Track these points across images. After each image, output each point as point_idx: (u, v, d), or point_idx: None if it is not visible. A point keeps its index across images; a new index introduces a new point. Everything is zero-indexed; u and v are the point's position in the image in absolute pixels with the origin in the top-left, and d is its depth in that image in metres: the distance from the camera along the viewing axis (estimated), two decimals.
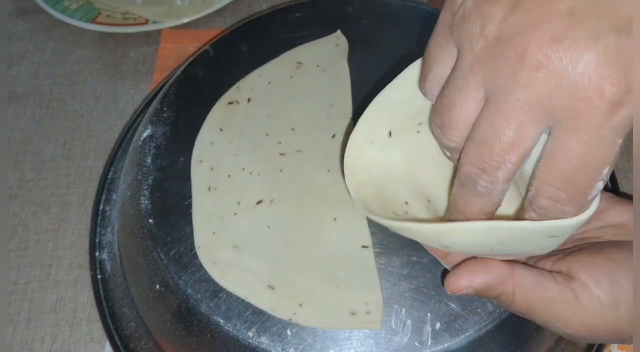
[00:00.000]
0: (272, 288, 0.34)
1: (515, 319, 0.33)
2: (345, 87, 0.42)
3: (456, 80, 0.24)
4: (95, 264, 0.45)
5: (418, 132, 0.31)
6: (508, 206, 0.29)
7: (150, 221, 0.37)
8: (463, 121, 0.25)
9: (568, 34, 0.21)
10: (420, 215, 0.31)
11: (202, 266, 0.35)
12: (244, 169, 0.38)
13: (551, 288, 0.27)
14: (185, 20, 0.60)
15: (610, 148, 0.22)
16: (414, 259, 0.34)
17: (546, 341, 0.37)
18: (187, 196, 0.37)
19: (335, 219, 0.36)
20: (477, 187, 0.25)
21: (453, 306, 0.33)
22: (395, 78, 0.30)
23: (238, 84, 0.42)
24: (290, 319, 0.33)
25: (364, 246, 0.35)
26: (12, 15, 0.64)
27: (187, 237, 0.36)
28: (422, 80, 0.28)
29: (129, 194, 0.40)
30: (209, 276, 0.34)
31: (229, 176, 0.38)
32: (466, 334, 0.32)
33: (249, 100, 0.42)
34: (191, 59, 0.45)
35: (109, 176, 0.49)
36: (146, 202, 0.38)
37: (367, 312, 0.33)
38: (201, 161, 0.39)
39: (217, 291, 0.34)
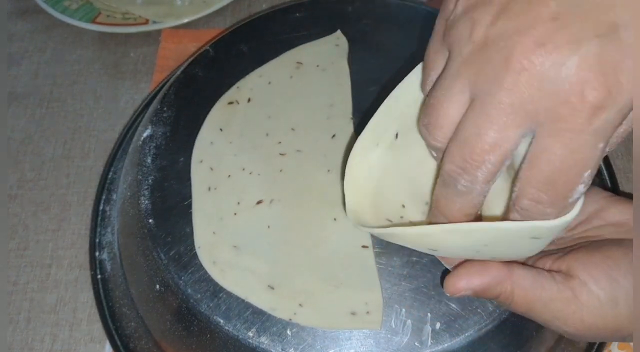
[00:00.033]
0: (272, 288, 0.34)
1: (515, 319, 0.33)
2: (345, 87, 0.42)
3: (444, 82, 0.25)
4: (95, 264, 0.45)
5: None
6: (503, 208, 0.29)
7: (150, 221, 0.37)
8: (448, 121, 0.25)
9: (551, 39, 0.22)
10: (416, 219, 0.31)
11: (202, 266, 0.35)
12: (244, 169, 0.38)
13: (550, 287, 0.27)
14: (185, 20, 0.60)
15: (592, 152, 0.23)
16: (414, 259, 0.34)
17: (546, 341, 0.37)
18: (187, 196, 0.37)
19: (335, 219, 0.36)
20: (457, 186, 0.25)
21: (453, 306, 0.33)
22: (404, 80, 0.30)
23: (238, 84, 0.42)
24: (290, 319, 0.33)
25: (364, 246, 0.35)
26: (12, 15, 0.64)
27: (187, 237, 0.36)
28: (423, 83, 0.29)
29: (129, 194, 0.40)
30: (209, 276, 0.34)
31: (229, 175, 0.38)
32: (466, 334, 0.32)
33: (249, 100, 0.42)
34: (191, 59, 0.45)
35: (109, 176, 0.49)
36: (146, 202, 0.38)
37: (367, 312, 0.33)
38: (201, 161, 0.39)
39: (217, 291, 0.34)
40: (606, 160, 0.47)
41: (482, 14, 0.24)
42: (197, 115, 0.41)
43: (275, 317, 0.33)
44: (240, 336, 0.33)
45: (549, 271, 0.29)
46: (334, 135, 0.39)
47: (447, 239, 0.27)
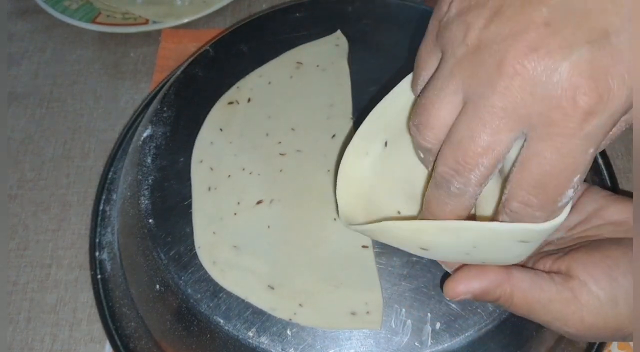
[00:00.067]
0: (272, 288, 0.34)
1: (515, 319, 0.33)
2: (345, 87, 0.42)
3: (436, 83, 0.25)
4: (95, 264, 0.45)
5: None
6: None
7: (150, 221, 0.37)
8: (440, 123, 0.25)
9: (544, 44, 0.22)
10: None
11: (202, 266, 0.35)
12: (244, 169, 0.38)
13: (549, 289, 0.27)
14: (185, 20, 0.60)
15: (582, 157, 0.23)
16: (414, 259, 0.34)
17: (546, 341, 0.37)
18: (187, 196, 0.37)
19: (335, 219, 0.36)
20: (450, 188, 0.26)
21: (453, 306, 0.33)
22: (391, 91, 0.30)
23: (238, 84, 0.42)
24: (290, 319, 0.33)
25: (364, 246, 0.35)
26: (12, 15, 0.64)
27: (187, 237, 0.36)
28: (413, 83, 0.29)
29: (129, 194, 0.40)
30: (209, 276, 0.34)
31: (229, 176, 0.38)
32: (466, 334, 0.32)
33: (249, 100, 0.42)
34: (191, 59, 0.45)
35: (109, 176, 0.49)
36: (146, 202, 0.38)
37: (367, 312, 0.33)
38: (201, 161, 0.39)
39: (217, 291, 0.34)
40: (606, 160, 0.47)
41: (476, 17, 0.24)
42: (197, 115, 0.41)
43: (275, 317, 0.33)
44: (240, 336, 0.33)
45: (549, 271, 0.29)
46: (334, 136, 0.39)
47: (436, 237, 0.28)
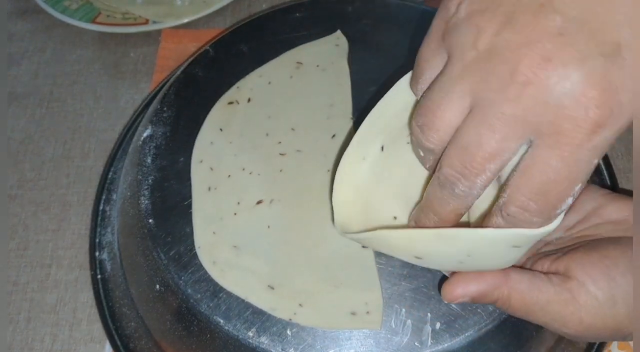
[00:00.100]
0: (272, 288, 0.34)
1: (515, 319, 0.33)
2: (345, 87, 0.42)
3: (443, 85, 0.25)
4: (95, 264, 0.45)
5: (408, 143, 0.31)
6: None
7: (150, 221, 0.37)
8: (445, 125, 0.25)
9: (558, 54, 0.22)
10: None
11: (202, 266, 0.35)
12: (244, 169, 0.38)
13: (547, 290, 0.27)
14: (185, 20, 0.60)
15: (586, 167, 0.23)
16: None
17: (546, 341, 0.37)
18: (187, 196, 0.37)
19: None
20: (454, 190, 0.26)
21: (453, 306, 0.33)
22: (386, 94, 0.30)
23: (238, 84, 0.42)
24: (290, 319, 0.33)
25: (364, 246, 0.35)
26: (12, 15, 0.64)
27: (187, 237, 0.36)
28: (414, 82, 0.28)
29: (129, 194, 0.40)
30: (209, 276, 0.34)
31: (229, 176, 0.38)
32: (466, 334, 0.32)
33: (249, 100, 0.42)
34: (191, 59, 0.45)
35: (109, 176, 0.49)
36: (146, 202, 0.38)
37: (367, 312, 0.33)
38: (201, 161, 0.39)
39: (217, 291, 0.34)
40: (606, 160, 0.47)
41: (488, 22, 0.24)
42: (197, 115, 0.41)
43: (275, 317, 0.33)
44: (240, 336, 0.33)
45: (547, 272, 0.29)
46: (334, 136, 0.39)
47: (430, 245, 0.28)
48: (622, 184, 0.49)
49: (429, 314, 0.33)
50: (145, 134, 0.41)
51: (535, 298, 0.27)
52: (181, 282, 0.34)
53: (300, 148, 0.39)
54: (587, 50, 0.22)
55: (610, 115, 0.22)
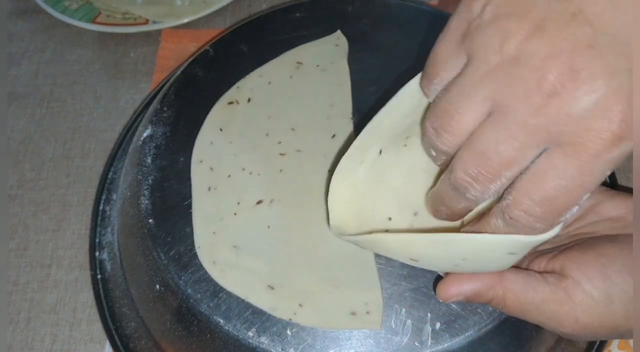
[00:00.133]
0: (272, 288, 0.34)
1: (515, 319, 0.33)
2: (345, 87, 0.42)
3: (463, 88, 0.25)
4: (95, 264, 0.45)
5: (405, 145, 0.31)
6: None
7: (150, 221, 0.37)
8: (463, 128, 0.25)
9: (587, 67, 0.22)
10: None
11: (202, 266, 0.35)
12: (244, 169, 0.38)
13: (542, 289, 0.27)
14: (185, 20, 0.60)
15: (600, 177, 0.23)
16: None
17: (546, 341, 0.37)
18: (187, 196, 0.37)
19: None
20: (466, 194, 0.26)
21: (453, 306, 0.33)
22: (391, 100, 0.30)
23: (238, 84, 0.42)
24: (290, 319, 0.33)
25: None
26: (12, 15, 0.64)
27: (187, 237, 0.36)
28: (426, 81, 0.28)
29: (129, 194, 0.40)
30: (209, 276, 0.34)
31: (229, 176, 0.38)
32: (466, 334, 0.32)
33: (249, 100, 0.42)
34: (191, 59, 0.45)
35: (109, 176, 0.49)
36: (146, 202, 0.38)
37: (367, 312, 0.33)
38: (201, 161, 0.39)
39: (217, 291, 0.34)
40: None
41: (516, 27, 0.23)
42: (197, 115, 0.41)
43: (275, 317, 0.33)
44: (240, 336, 0.33)
45: (543, 271, 0.29)
46: (334, 136, 0.39)
47: (426, 249, 0.28)
48: (622, 181, 0.49)
49: (429, 314, 0.33)
50: (145, 134, 0.41)
51: (530, 298, 0.27)
52: (181, 282, 0.34)
53: (300, 148, 0.39)
54: (616, 65, 0.22)
55: (631, 129, 0.22)
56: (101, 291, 0.44)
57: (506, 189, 0.25)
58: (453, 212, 0.28)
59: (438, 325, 0.32)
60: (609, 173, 0.23)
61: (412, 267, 0.34)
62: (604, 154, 0.22)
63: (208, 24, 0.61)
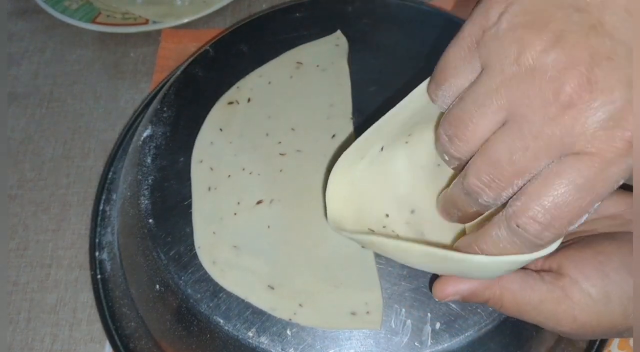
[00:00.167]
0: (272, 288, 0.34)
1: (515, 319, 0.33)
2: (345, 87, 0.42)
3: (478, 97, 0.24)
4: (95, 264, 0.45)
5: (406, 142, 0.31)
6: None
7: (150, 221, 0.37)
8: (477, 137, 0.25)
9: (605, 78, 0.22)
10: (399, 229, 0.32)
11: (202, 266, 0.35)
12: (244, 169, 0.38)
13: (539, 288, 0.27)
14: (185, 20, 0.60)
15: (612, 185, 0.23)
16: None
17: (546, 341, 0.37)
18: (187, 196, 0.37)
19: None
20: (478, 200, 0.26)
21: (453, 306, 0.33)
22: (400, 102, 0.30)
23: (238, 84, 0.42)
24: (290, 319, 0.33)
25: (363, 246, 0.35)
26: (12, 15, 0.64)
27: (187, 237, 0.36)
28: (434, 86, 0.27)
29: (129, 194, 0.40)
30: (209, 276, 0.34)
31: (229, 176, 0.38)
32: (466, 334, 0.32)
33: (249, 100, 0.42)
34: (191, 59, 0.45)
35: (109, 176, 0.49)
36: (146, 202, 0.38)
37: (367, 312, 0.33)
38: (201, 161, 0.39)
39: (217, 291, 0.34)
40: None
41: (534, 38, 0.23)
42: (197, 115, 0.41)
43: (275, 317, 0.33)
44: (240, 336, 0.33)
45: (540, 270, 0.29)
46: (334, 136, 0.39)
47: (421, 259, 0.28)
48: None
49: (429, 314, 0.33)
50: (145, 134, 0.41)
51: (528, 297, 0.27)
52: (181, 282, 0.34)
53: (300, 148, 0.39)
54: (633, 76, 0.22)
55: None
56: (101, 291, 0.44)
57: (511, 196, 0.25)
58: (465, 215, 0.28)
59: (438, 325, 0.32)
60: (621, 182, 0.23)
61: (412, 267, 0.34)
62: (618, 161, 0.22)
63: (208, 24, 0.61)
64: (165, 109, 0.42)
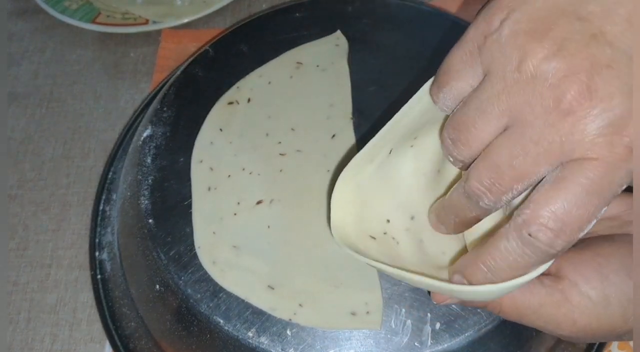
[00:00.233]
0: (272, 288, 0.34)
1: None
2: (345, 87, 0.42)
3: (481, 103, 0.25)
4: (95, 264, 0.45)
5: (412, 146, 0.31)
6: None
7: (150, 221, 0.37)
8: (479, 142, 0.25)
9: (605, 86, 0.22)
10: (399, 236, 0.32)
11: (202, 266, 0.35)
12: (244, 169, 0.38)
13: (538, 292, 0.27)
14: (185, 20, 0.60)
15: (617, 190, 0.23)
16: None
17: (546, 341, 0.37)
18: (187, 196, 0.37)
19: None
20: (479, 203, 0.26)
21: (453, 306, 0.33)
22: (409, 101, 0.30)
23: (238, 84, 0.42)
24: (290, 319, 0.33)
25: None
26: (12, 15, 0.64)
27: (187, 237, 0.36)
28: (435, 89, 0.28)
29: (129, 194, 0.40)
30: (209, 276, 0.34)
31: (229, 176, 0.38)
32: (466, 334, 0.32)
33: (249, 100, 0.42)
34: (191, 59, 0.45)
35: (109, 176, 0.49)
36: (146, 202, 0.38)
37: (367, 313, 0.33)
38: (201, 161, 0.39)
39: (217, 291, 0.34)
40: None
41: (536, 46, 0.23)
42: (197, 115, 0.41)
43: (275, 317, 0.33)
44: (240, 336, 0.33)
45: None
46: (334, 136, 0.39)
47: (418, 285, 0.29)
48: None
49: (428, 314, 0.33)
50: (145, 134, 0.41)
51: (527, 301, 0.27)
52: (181, 282, 0.34)
53: (300, 148, 0.39)
54: (633, 84, 0.22)
55: None
56: (101, 291, 0.44)
57: (518, 206, 0.25)
58: (462, 221, 0.28)
59: (438, 325, 0.32)
60: (625, 186, 0.23)
61: None
62: (620, 167, 0.23)
63: (208, 24, 0.61)
64: (165, 109, 0.42)
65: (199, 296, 0.34)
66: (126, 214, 0.41)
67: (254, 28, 0.46)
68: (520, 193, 0.25)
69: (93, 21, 0.60)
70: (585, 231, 0.24)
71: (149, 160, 0.39)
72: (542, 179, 0.24)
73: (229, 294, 0.34)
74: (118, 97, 0.57)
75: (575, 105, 0.22)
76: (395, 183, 0.32)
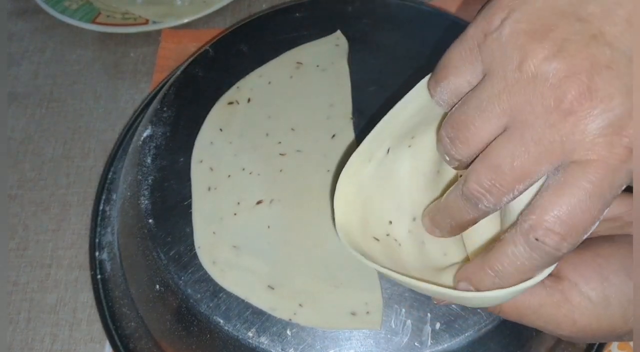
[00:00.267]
0: (272, 288, 0.34)
1: None
2: (345, 87, 0.42)
3: (480, 102, 0.25)
4: (95, 264, 0.45)
5: (409, 146, 0.31)
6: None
7: (150, 221, 0.37)
8: (478, 141, 0.25)
9: (605, 87, 0.22)
10: (401, 237, 0.32)
11: (202, 266, 0.35)
12: (244, 169, 0.38)
13: (538, 292, 0.27)
14: (185, 20, 0.60)
15: (617, 191, 0.23)
16: None
17: (546, 341, 0.37)
18: (187, 196, 0.37)
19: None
20: (478, 205, 0.26)
21: (453, 306, 0.33)
22: (404, 97, 0.30)
23: (238, 84, 0.42)
24: (290, 319, 0.33)
25: None
26: (12, 15, 0.64)
27: (187, 237, 0.36)
28: (433, 83, 0.28)
29: (129, 194, 0.40)
30: (209, 276, 0.34)
31: (229, 176, 0.38)
32: (466, 334, 0.32)
33: (249, 100, 0.42)
34: (191, 59, 0.45)
35: (109, 176, 0.49)
36: (146, 202, 0.38)
37: (367, 313, 0.33)
38: (201, 161, 0.39)
39: (217, 291, 0.34)
40: None
41: (536, 46, 0.23)
42: (197, 115, 0.41)
43: (275, 317, 0.33)
44: (240, 336, 0.33)
45: None
46: (334, 136, 0.39)
47: (420, 291, 0.29)
48: None
49: (428, 314, 0.33)
50: (145, 134, 0.41)
51: (527, 302, 0.27)
52: (181, 282, 0.34)
53: (300, 148, 0.39)
54: (632, 84, 0.22)
55: None
56: (101, 291, 0.44)
57: (522, 211, 0.25)
58: (458, 224, 0.28)
59: (438, 325, 0.32)
60: (624, 187, 0.23)
61: None
62: (620, 167, 0.23)
63: (208, 24, 0.61)
64: (165, 109, 0.42)
65: (199, 296, 0.34)
66: (126, 214, 0.41)
67: (254, 28, 0.46)
68: (521, 193, 0.25)
69: (93, 21, 0.60)
70: (589, 233, 0.24)
71: (149, 160, 0.39)
72: (541, 180, 0.24)
73: (229, 294, 0.34)
74: (118, 97, 0.57)
75: (576, 105, 0.23)
76: (395, 183, 0.32)
